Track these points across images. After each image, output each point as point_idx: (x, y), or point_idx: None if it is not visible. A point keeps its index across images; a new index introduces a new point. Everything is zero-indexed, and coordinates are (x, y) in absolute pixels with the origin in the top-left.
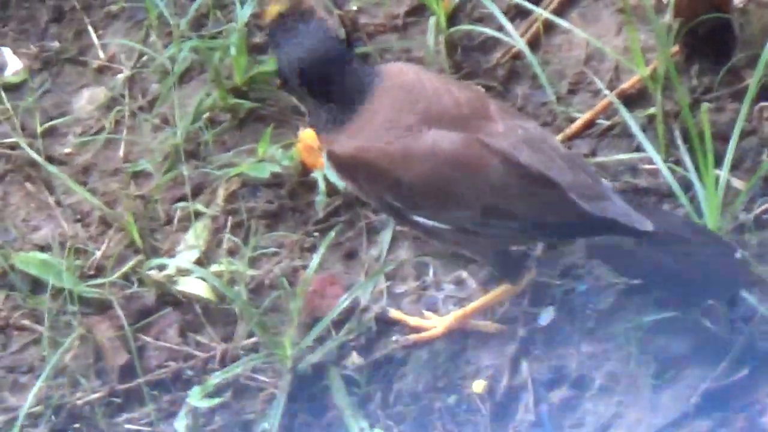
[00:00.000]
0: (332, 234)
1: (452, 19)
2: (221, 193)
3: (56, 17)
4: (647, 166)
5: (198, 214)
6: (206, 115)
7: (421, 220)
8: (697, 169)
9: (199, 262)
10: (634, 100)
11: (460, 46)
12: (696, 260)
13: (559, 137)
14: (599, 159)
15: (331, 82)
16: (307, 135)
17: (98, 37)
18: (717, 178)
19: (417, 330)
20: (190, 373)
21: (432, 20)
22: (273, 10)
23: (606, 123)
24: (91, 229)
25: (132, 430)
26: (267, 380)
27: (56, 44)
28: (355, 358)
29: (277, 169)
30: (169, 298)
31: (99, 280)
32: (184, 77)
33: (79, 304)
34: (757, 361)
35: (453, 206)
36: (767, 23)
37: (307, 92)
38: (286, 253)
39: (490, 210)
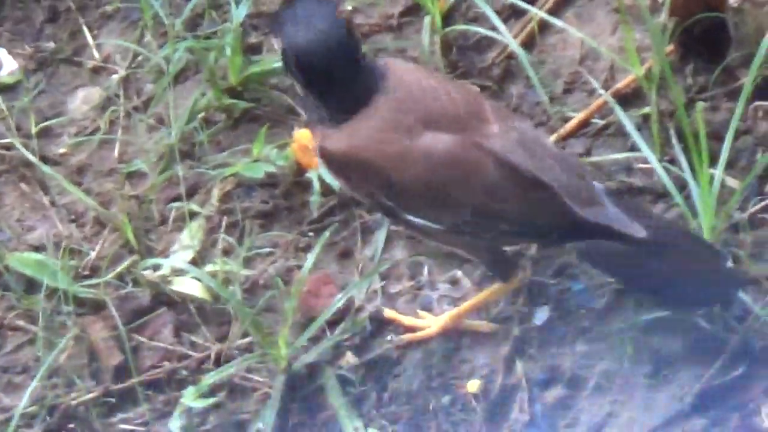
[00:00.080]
0: (327, 234)
1: (447, 18)
2: (216, 193)
3: (51, 17)
4: (642, 166)
5: (193, 214)
6: (201, 115)
7: (413, 219)
8: (692, 168)
9: (194, 262)
10: (629, 99)
11: (455, 46)
12: (686, 269)
13: (554, 137)
14: (594, 158)
15: (335, 83)
16: (301, 135)
17: (93, 37)
18: (712, 178)
19: (412, 330)
20: (184, 373)
21: (427, 20)
22: None
23: (601, 122)
24: (85, 230)
25: (126, 430)
26: (261, 380)
27: (51, 44)
28: (349, 358)
29: (271, 169)
30: (163, 298)
31: (93, 281)
32: (179, 77)
33: (73, 304)
34: (751, 361)
35: (446, 207)
36: (762, 23)
37: (305, 85)
38: (280, 253)
39: (481, 211)
